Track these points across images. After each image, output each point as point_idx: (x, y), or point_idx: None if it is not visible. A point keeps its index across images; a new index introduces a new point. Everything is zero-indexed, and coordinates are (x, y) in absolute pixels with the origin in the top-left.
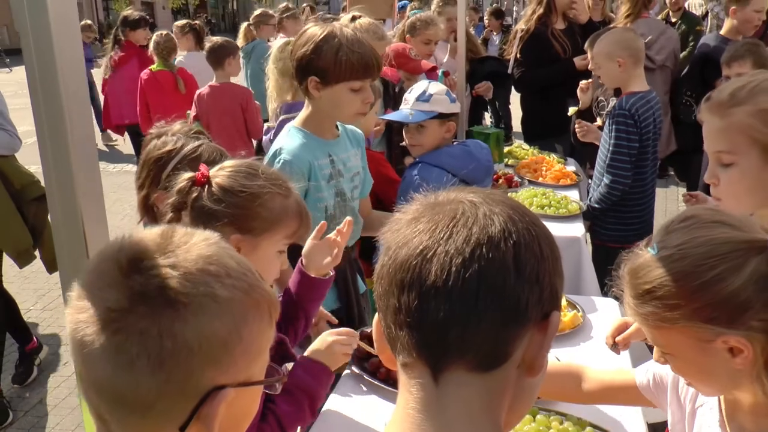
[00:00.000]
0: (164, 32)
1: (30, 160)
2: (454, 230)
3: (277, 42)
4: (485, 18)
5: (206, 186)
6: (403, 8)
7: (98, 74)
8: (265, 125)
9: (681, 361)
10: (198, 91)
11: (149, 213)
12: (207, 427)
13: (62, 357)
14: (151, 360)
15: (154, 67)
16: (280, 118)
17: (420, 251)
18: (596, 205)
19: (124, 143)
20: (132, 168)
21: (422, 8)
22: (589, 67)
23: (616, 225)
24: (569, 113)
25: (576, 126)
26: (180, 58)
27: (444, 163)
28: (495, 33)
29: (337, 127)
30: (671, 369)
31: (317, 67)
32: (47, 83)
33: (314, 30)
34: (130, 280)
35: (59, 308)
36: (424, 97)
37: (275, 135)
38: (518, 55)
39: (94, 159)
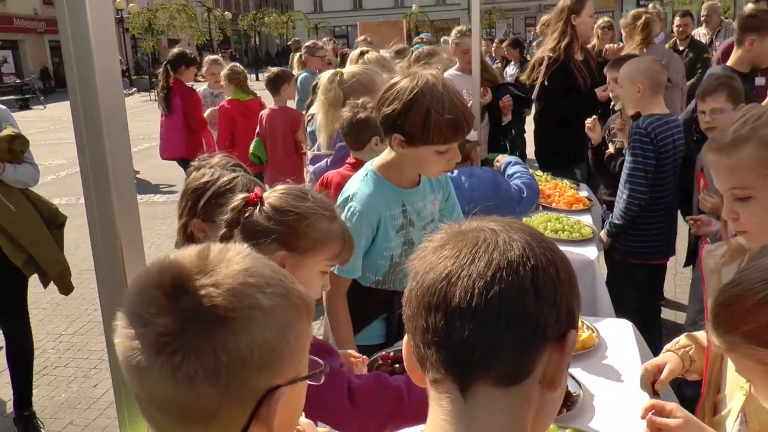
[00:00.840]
0: (233, 64)
1: (59, 192)
2: (476, 256)
3: (326, 73)
4: (498, 46)
5: (258, 205)
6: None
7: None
8: (310, 153)
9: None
10: (261, 113)
11: (188, 240)
12: (267, 426)
13: (92, 379)
14: (209, 375)
15: (240, 96)
16: (338, 146)
17: (445, 275)
18: (617, 221)
19: (145, 174)
20: (158, 198)
21: (431, 41)
22: (609, 90)
23: (637, 240)
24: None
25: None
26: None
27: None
28: (513, 62)
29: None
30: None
31: (404, 128)
32: (90, 120)
33: (404, 85)
34: (178, 302)
35: (89, 333)
36: None
37: (332, 162)
38: (545, 83)
39: (132, 192)
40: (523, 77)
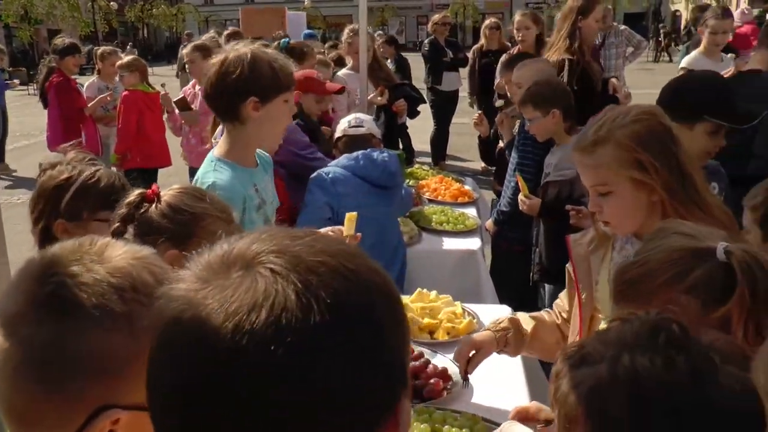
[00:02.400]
0: (132, 56)
1: None
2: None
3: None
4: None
5: (155, 202)
6: (309, 37)
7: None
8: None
9: None
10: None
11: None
12: None
13: None
14: (35, 368)
15: (143, 87)
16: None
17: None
18: (504, 209)
19: (24, 172)
20: None
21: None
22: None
23: (522, 228)
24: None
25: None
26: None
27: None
28: (390, 60)
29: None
30: None
31: (257, 85)
32: None
33: (238, 53)
34: (40, 287)
35: None
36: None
37: None
38: (574, 86)
39: None
40: None
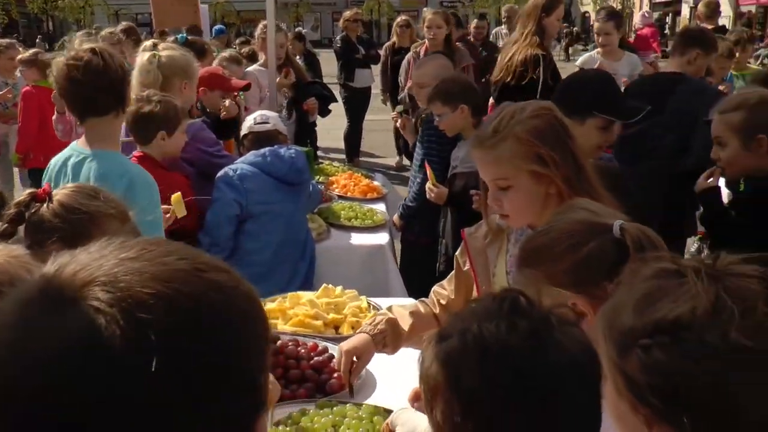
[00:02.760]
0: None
1: None
2: None
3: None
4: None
5: (47, 202)
6: (220, 33)
7: None
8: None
9: None
10: None
11: None
12: None
13: None
14: None
15: (46, 83)
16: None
17: None
18: (410, 203)
19: None
20: None
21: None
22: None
23: (429, 221)
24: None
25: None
26: None
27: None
28: (298, 56)
29: None
30: None
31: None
32: None
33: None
34: None
35: None
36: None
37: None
38: (549, 81)
39: None
40: (497, 77)
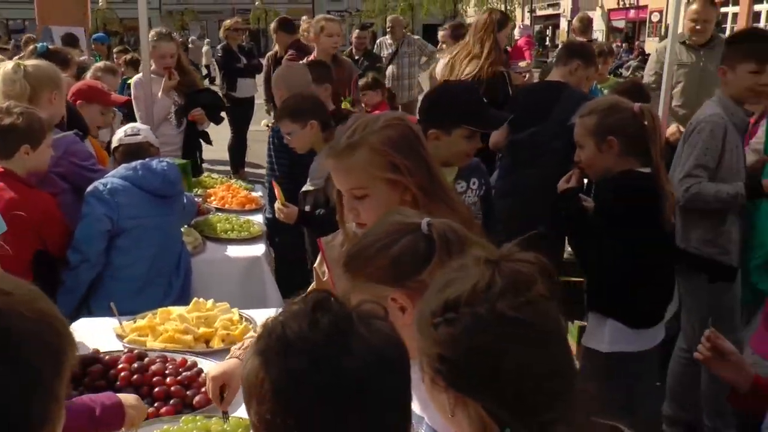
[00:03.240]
0: None
1: None
2: None
3: (7, 64)
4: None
5: None
6: (99, 41)
7: None
8: None
9: None
10: None
11: None
12: None
13: None
14: None
15: None
16: None
17: None
18: (268, 215)
19: None
20: None
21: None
22: None
23: (297, 234)
24: None
25: None
26: None
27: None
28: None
29: None
30: None
31: None
32: None
33: None
34: None
35: None
36: None
37: None
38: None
39: None
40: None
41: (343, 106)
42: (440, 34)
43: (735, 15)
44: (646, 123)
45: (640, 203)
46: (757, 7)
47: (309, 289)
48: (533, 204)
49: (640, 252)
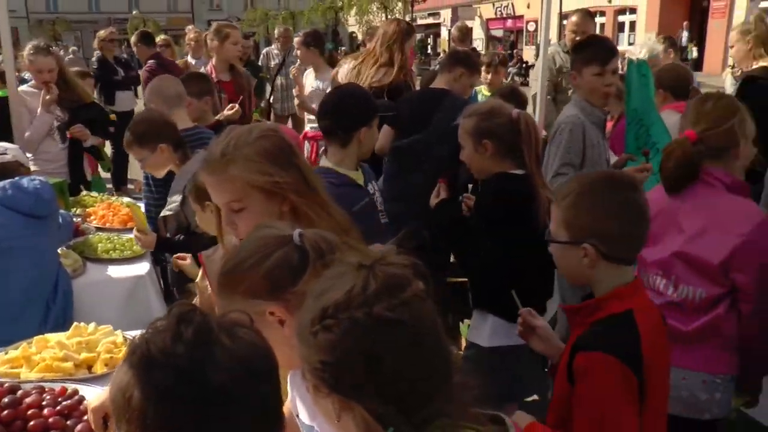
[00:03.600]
0: None
1: None
2: None
3: None
4: None
5: None
6: None
7: None
8: None
9: None
10: None
11: None
12: None
13: None
14: None
15: None
16: None
17: None
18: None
19: None
20: None
21: None
22: None
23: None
24: None
25: None
26: None
27: None
28: None
29: None
30: None
31: None
32: None
33: None
34: None
35: None
36: None
37: None
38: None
39: None
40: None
41: (254, 118)
42: (295, 40)
43: (602, 25)
44: (522, 128)
45: (516, 205)
46: (620, 18)
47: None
48: (419, 208)
49: (516, 252)
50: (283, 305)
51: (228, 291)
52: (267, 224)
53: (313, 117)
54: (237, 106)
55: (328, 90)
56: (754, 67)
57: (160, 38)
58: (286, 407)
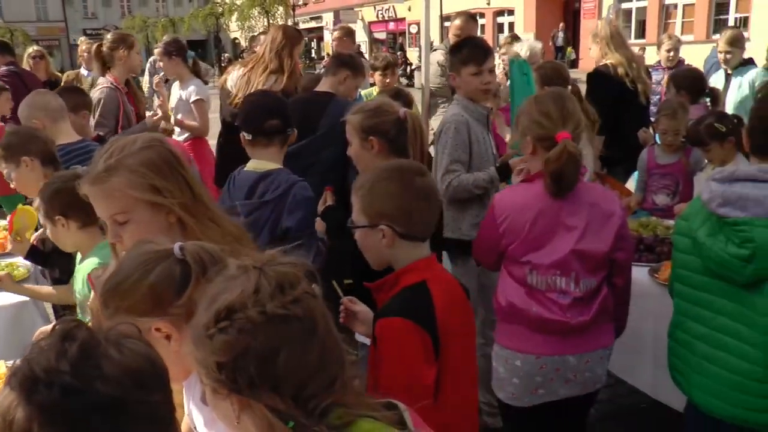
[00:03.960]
0: None
1: None
2: None
3: None
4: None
5: None
6: None
7: None
8: None
9: None
10: None
11: None
12: None
13: None
14: None
15: None
16: None
17: None
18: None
19: None
20: None
21: None
22: None
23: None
24: None
25: None
26: None
27: None
28: None
29: None
30: None
31: None
32: None
33: None
34: None
35: None
36: None
37: None
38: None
39: None
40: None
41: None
42: (155, 51)
43: (482, 26)
44: (408, 127)
45: None
46: (499, 19)
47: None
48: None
49: None
50: (169, 320)
51: (111, 310)
52: (147, 240)
53: (178, 129)
54: (159, 111)
55: (192, 100)
56: (600, 63)
57: (32, 49)
58: (186, 425)
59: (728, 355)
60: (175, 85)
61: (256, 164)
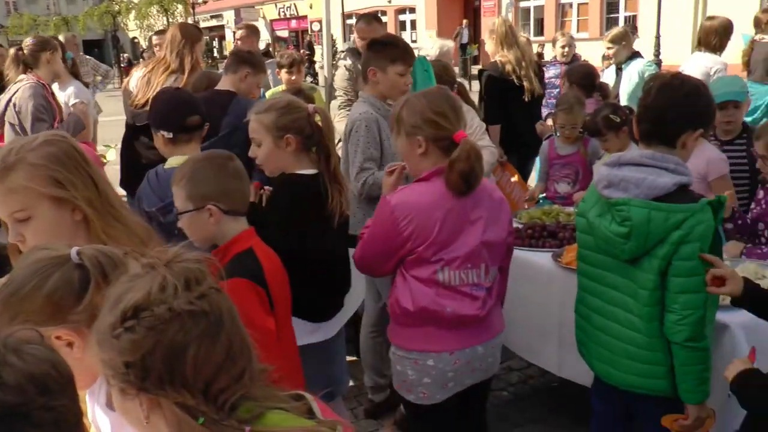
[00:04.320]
0: None
1: None
2: None
3: None
4: None
5: None
6: None
7: None
8: None
9: None
10: None
11: None
12: None
13: None
14: None
15: None
16: None
17: None
18: None
19: None
20: None
21: None
22: None
23: None
24: None
25: None
26: None
27: None
28: None
29: None
30: None
31: None
32: None
33: None
34: None
35: None
36: None
37: None
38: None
39: None
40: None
41: None
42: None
43: (385, 24)
44: (320, 123)
45: (308, 206)
46: (401, 17)
47: None
48: None
49: (308, 255)
50: (70, 327)
51: (7, 320)
52: (42, 246)
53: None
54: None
55: (72, 103)
56: (492, 60)
57: None
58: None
59: (619, 326)
60: (55, 87)
61: (180, 160)
